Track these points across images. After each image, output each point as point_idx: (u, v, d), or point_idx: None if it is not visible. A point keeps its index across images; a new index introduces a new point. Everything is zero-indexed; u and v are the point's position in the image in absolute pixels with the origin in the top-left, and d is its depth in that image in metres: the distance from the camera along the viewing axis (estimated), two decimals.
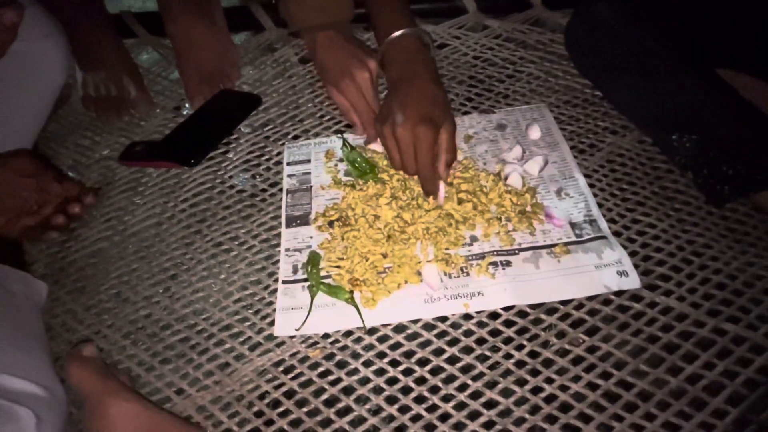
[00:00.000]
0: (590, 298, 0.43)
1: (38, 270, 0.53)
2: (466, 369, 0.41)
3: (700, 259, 0.45)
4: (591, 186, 0.52)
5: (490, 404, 0.39)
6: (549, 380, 0.39)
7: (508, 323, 0.43)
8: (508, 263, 0.46)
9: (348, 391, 0.41)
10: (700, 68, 0.51)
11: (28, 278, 0.49)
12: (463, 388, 0.40)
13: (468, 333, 0.43)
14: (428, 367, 0.41)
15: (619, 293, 0.44)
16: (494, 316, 0.44)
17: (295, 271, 0.48)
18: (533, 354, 0.41)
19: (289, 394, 0.41)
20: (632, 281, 0.44)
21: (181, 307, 0.48)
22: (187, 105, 0.69)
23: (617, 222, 0.49)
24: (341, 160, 0.57)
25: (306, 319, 0.44)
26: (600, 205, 0.50)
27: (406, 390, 0.40)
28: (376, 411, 0.39)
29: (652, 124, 0.55)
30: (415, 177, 0.53)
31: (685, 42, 0.52)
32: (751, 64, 0.53)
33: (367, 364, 0.42)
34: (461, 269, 0.46)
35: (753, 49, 0.53)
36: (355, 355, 0.42)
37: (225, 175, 0.59)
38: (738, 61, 0.54)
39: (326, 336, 0.44)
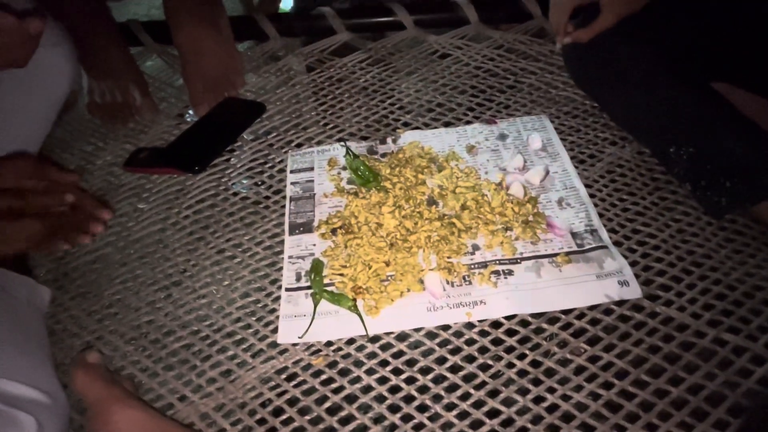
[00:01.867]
0: (592, 308, 0.44)
1: (42, 275, 0.53)
2: (469, 378, 0.41)
3: (700, 270, 0.46)
4: (591, 196, 0.53)
5: (492, 413, 0.39)
6: (551, 390, 0.39)
7: (510, 332, 0.43)
8: (510, 272, 0.46)
9: (350, 399, 0.41)
10: (695, 82, 0.52)
11: (32, 283, 0.49)
12: (465, 397, 0.40)
13: (470, 342, 0.43)
14: (430, 376, 0.41)
15: (620, 303, 0.44)
16: (496, 324, 0.44)
17: (298, 279, 0.48)
18: (535, 363, 0.41)
19: (292, 402, 0.41)
20: (633, 291, 0.44)
21: (184, 313, 0.48)
22: (190, 112, 0.70)
23: (618, 232, 0.49)
24: (344, 168, 0.58)
25: (309, 326, 0.44)
26: (600, 215, 0.51)
27: (408, 398, 0.40)
28: (378, 419, 0.39)
29: (649, 137, 0.55)
30: (418, 187, 0.53)
31: (680, 57, 0.53)
32: (745, 78, 0.54)
33: (370, 372, 0.42)
34: (463, 278, 0.46)
35: (747, 65, 0.54)
36: (358, 363, 0.43)
37: (228, 182, 0.60)
38: (733, 76, 0.55)
39: (329, 344, 0.44)
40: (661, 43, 0.54)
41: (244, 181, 0.60)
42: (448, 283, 0.46)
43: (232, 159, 0.63)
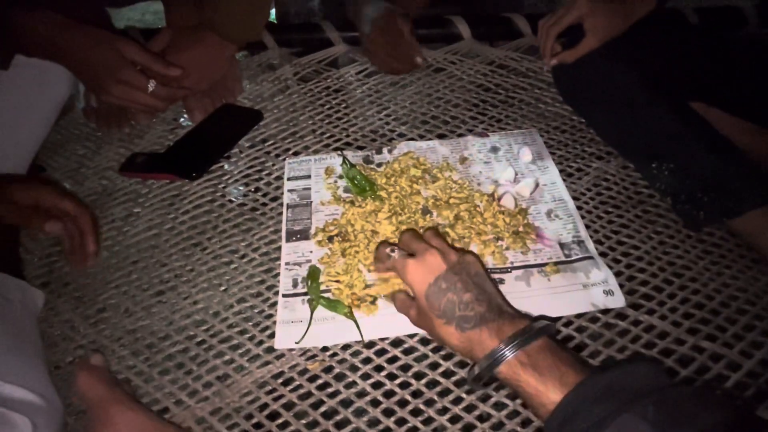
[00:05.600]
0: (578, 316, 0.46)
1: (36, 279, 0.53)
2: (461, 382, 0.42)
3: (680, 280, 0.48)
4: (579, 208, 0.55)
5: (483, 417, 0.40)
6: None
7: None
8: (501, 281, 0.48)
9: (346, 403, 0.42)
10: (675, 102, 0.55)
11: (26, 287, 0.49)
12: (457, 401, 0.41)
13: None
14: (424, 381, 0.42)
15: (605, 311, 0.46)
16: None
17: (295, 285, 0.49)
18: None
19: (288, 406, 0.42)
20: (618, 300, 0.46)
21: (180, 318, 0.48)
22: (184, 116, 0.71)
23: (603, 243, 0.52)
24: (341, 177, 0.59)
25: (306, 332, 0.45)
26: (587, 227, 0.53)
27: (402, 403, 0.41)
28: (373, 423, 0.40)
29: (633, 153, 0.58)
30: (413, 197, 0.55)
31: (661, 78, 0.57)
32: (720, 99, 0.58)
33: (365, 377, 0.43)
34: None
35: (722, 86, 0.58)
36: (353, 368, 0.44)
37: (225, 189, 0.61)
38: (709, 96, 0.58)
39: (325, 349, 0.45)
40: (643, 65, 0.57)
41: (238, 188, 0.61)
42: None
43: (228, 165, 0.63)
